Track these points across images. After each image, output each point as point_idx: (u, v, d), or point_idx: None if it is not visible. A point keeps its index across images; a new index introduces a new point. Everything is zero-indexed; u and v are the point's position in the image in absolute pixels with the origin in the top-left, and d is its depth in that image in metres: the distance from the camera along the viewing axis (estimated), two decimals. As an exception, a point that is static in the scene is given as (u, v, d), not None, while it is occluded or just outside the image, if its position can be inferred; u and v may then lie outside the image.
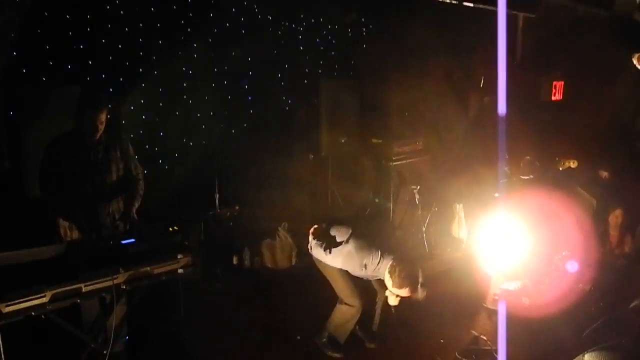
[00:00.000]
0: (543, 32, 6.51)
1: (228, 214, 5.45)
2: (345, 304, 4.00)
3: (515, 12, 6.39)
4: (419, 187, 6.05)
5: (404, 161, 6.36)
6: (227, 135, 5.83)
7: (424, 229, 6.12)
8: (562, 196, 5.47)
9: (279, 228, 5.64)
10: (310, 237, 4.03)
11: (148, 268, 3.10)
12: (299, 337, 4.29)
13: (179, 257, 3.22)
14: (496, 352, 3.97)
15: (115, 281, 2.94)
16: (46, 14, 4.49)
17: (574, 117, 6.55)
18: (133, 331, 3.73)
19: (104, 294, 3.04)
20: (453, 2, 5.41)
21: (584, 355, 3.04)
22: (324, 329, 4.15)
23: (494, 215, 4.71)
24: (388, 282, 3.65)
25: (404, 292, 3.65)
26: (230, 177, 5.38)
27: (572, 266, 4.86)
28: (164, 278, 3.19)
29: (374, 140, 6.45)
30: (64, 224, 3.67)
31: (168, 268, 3.20)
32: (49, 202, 3.66)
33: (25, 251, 2.86)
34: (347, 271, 3.87)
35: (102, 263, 2.95)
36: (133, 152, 3.93)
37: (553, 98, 7.15)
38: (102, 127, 3.60)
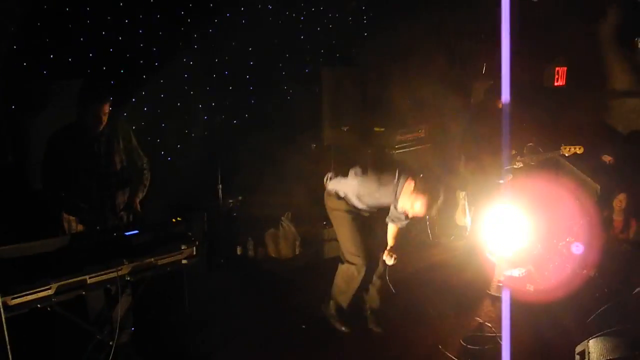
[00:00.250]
0: (542, 16, 6.46)
1: (231, 204, 5.46)
2: (347, 261, 4.04)
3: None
4: (422, 175, 6.02)
5: (407, 149, 6.34)
6: (229, 126, 5.82)
7: (427, 217, 6.11)
8: (566, 182, 5.46)
9: (283, 218, 5.64)
10: (329, 174, 4.14)
11: (152, 259, 3.10)
12: (304, 326, 4.30)
13: (182, 248, 3.23)
14: (501, 339, 3.98)
15: (120, 273, 2.95)
16: (46, 6, 4.47)
17: (576, 102, 6.53)
18: (138, 322, 3.76)
19: (108, 286, 3.05)
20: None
21: (588, 341, 3.05)
22: (330, 296, 4.20)
23: (497, 202, 4.71)
24: (406, 191, 3.65)
25: (420, 204, 3.63)
26: (232, 168, 5.38)
27: (578, 248, 4.87)
28: (168, 269, 3.19)
29: (377, 129, 6.42)
30: (67, 216, 3.68)
31: (172, 259, 3.20)
32: (52, 195, 3.66)
33: (29, 244, 2.86)
34: (355, 221, 3.95)
35: (107, 255, 2.96)
36: (136, 142, 3.94)
37: (556, 84, 7.12)
38: (104, 119, 3.59)
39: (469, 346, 4.04)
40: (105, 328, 3.24)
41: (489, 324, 4.35)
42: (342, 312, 4.20)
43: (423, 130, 6.53)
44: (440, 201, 3.69)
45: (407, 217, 3.85)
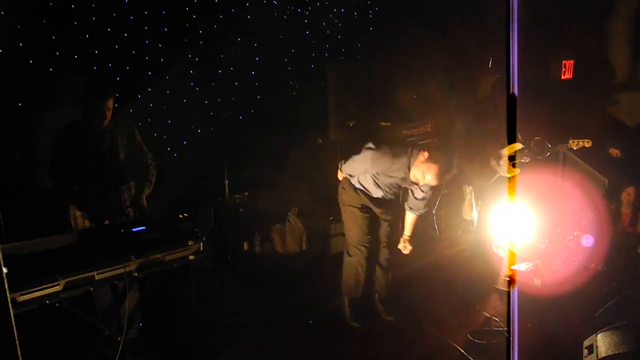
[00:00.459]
0: (551, 8, 6.41)
1: (237, 199, 5.46)
2: (347, 254, 4.05)
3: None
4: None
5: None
6: (234, 121, 5.82)
7: (434, 212, 6.11)
8: (573, 176, 5.43)
9: (289, 213, 5.64)
10: (341, 162, 4.16)
11: (159, 255, 3.11)
12: (311, 321, 4.31)
13: (189, 243, 3.23)
14: (508, 333, 3.97)
15: (127, 269, 2.96)
16: (52, 4, 4.49)
17: (583, 96, 6.49)
18: (146, 318, 3.77)
19: (116, 282, 3.07)
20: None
21: (596, 336, 3.04)
22: (341, 293, 4.27)
23: (504, 196, 4.69)
24: (419, 162, 3.64)
25: (432, 174, 3.62)
26: (239, 163, 5.38)
27: (588, 241, 4.84)
28: (175, 265, 3.21)
29: (383, 124, 6.41)
30: (74, 213, 3.70)
31: (179, 255, 3.21)
32: (59, 192, 3.68)
33: (37, 241, 2.88)
34: (366, 218, 3.98)
35: (114, 251, 2.97)
36: (141, 139, 3.94)
37: (563, 77, 7.06)
38: (109, 114, 3.60)
39: (476, 340, 4.04)
40: (113, 324, 3.26)
41: (496, 319, 4.34)
42: (355, 308, 4.21)
43: (429, 125, 6.51)
44: (452, 173, 3.69)
45: (424, 200, 3.86)
